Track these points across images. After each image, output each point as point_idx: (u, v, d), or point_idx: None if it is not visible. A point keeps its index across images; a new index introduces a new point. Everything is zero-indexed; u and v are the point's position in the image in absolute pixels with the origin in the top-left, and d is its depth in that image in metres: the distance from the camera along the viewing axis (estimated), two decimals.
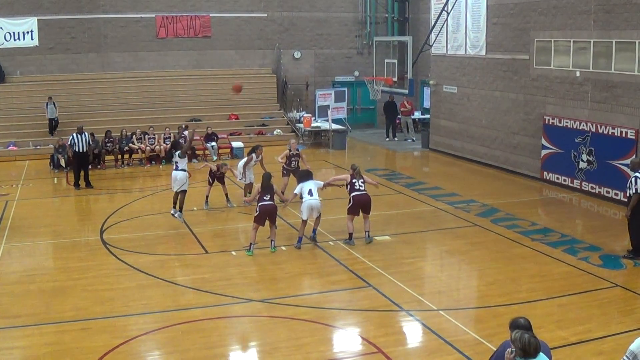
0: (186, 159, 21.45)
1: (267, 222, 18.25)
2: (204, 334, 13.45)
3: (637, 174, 17.40)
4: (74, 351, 12.65)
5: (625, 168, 22.84)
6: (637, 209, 17.51)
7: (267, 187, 18.36)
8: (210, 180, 23.40)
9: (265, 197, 18.20)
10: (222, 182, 23.35)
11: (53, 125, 33.60)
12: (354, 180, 19.15)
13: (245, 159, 23.52)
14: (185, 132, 29.87)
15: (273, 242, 18.57)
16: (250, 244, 18.32)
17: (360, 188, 19.10)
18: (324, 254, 18.42)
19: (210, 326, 13.92)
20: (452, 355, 12.56)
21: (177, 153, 21.10)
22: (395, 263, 17.60)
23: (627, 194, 18.03)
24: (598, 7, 23.92)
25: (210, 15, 38.98)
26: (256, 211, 18.22)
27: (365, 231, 19.24)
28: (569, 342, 12.92)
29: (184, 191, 21.02)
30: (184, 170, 21.02)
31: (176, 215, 21.00)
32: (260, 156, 23.55)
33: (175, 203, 21.15)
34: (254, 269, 17.23)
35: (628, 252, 17.96)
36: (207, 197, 23.31)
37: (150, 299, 15.30)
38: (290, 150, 24.02)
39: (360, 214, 19.17)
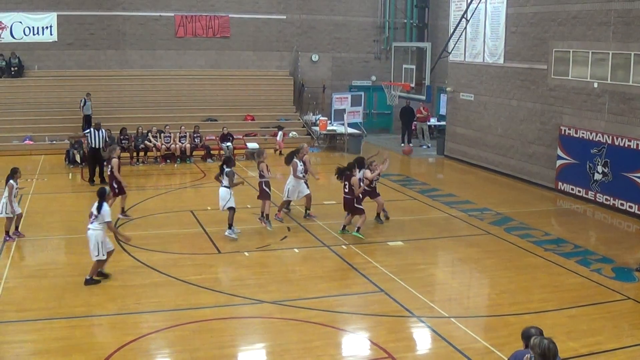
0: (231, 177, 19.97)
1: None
2: (215, 334, 13.47)
3: None
4: (84, 346, 12.68)
5: None
6: None
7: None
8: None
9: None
10: None
11: (89, 122, 33.37)
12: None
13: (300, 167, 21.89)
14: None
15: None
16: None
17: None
18: (337, 257, 18.42)
19: (221, 326, 13.95)
20: None
21: (226, 171, 19.93)
22: (407, 269, 17.58)
23: None
24: (617, 19, 23.86)
25: (230, 15, 39.11)
26: None
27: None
28: (580, 354, 12.88)
29: (230, 208, 19.91)
30: (227, 187, 19.85)
31: (226, 233, 19.89)
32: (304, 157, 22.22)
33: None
34: (266, 270, 17.24)
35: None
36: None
37: (162, 297, 15.32)
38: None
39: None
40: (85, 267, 17.12)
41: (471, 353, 12.83)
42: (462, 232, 21.34)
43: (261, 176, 20.70)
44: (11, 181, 19.36)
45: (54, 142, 33.34)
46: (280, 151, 34.22)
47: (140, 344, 12.93)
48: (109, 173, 22.36)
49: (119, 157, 22.36)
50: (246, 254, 18.38)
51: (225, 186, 19.89)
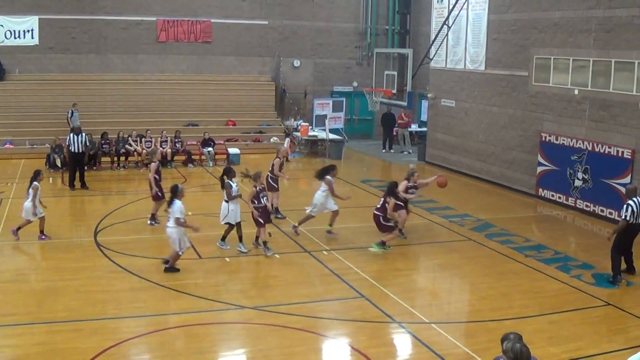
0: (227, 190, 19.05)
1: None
2: (196, 339, 13.44)
3: (629, 202, 17.32)
4: (65, 352, 12.62)
5: (620, 187, 22.90)
6: (622, 237, 17.50)
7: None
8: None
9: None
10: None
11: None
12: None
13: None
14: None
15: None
16: None
17: None
18: (318, 263, 18.43)
19: (202, 331, 13.91)
20: None
21: (225, 183, 19.16)
22: (388, 275, 17.62)
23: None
24: (598, 27, 24.02)
25: (212, 20, 39.07)
26: None
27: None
28: (560, 359, 12.93)
29: (228, 223, 19.12)
30: (225, 201, 18.96)
31: (218, 243, 19.35)
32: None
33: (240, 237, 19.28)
34: (247, 276, 17.23)
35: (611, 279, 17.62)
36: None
37: (143, 302, 15.28)
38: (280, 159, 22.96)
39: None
40: (64, 271, 17.13)
41: (452, 359, 12.86)
42: (443, 238, 21.41)
43: (254, 202, 18.72)
44: (35, 183, 19.77)
45: (35, 146, 33.16)
46: (287, 158, 34.25)
47: (121, 349, 12.88)
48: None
49: (158, 161, 22.28)
50: (227, 259, 18.34)
51: (225, 200, 19.00)
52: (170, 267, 17.11)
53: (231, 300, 15.56)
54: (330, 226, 21.04)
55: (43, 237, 19.97)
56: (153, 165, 21.89)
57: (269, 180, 22.30)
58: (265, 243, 18.89)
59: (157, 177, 21.63)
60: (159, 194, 21.58)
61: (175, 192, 17.14)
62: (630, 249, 17.85)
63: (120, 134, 31.80)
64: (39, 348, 12.76)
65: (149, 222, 21.75)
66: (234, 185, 18.92)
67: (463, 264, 18.69)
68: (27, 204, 19.74)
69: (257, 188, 18.86)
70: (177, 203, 16.84)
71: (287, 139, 35.29)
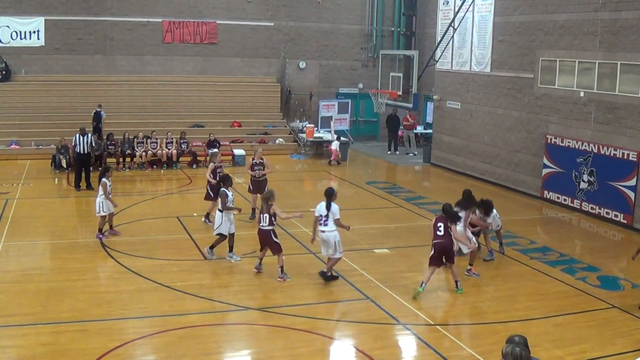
0: (224, 199, 18.25)
1: None
2: (200, 340, 13.44)
3: None
4: (70, 352, 12.64)
5: (626, 190, 22.88)
6: None
7: None
8: None
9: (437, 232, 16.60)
10: None
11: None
12: None
13: None
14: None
15: (458, 282, 16.90)
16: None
17: None
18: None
19: (207, 333, 13.92)
20: None
21: (220, 192, 18.47)
22: (393, 276, 17.60)
23: None
24: (604, 29, 23.98)
25: (217, 22, 39.10)
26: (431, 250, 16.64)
27: None
28: None
29: (220, 234, 18.45)
30: (219, 210, 18.28)
31: (227, 257, 18.59)
32: None
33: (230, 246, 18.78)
34: (251, 277, 17.19)
35: None
36: None
37: (148, 303, 15.29)
38: (253, 159, 22.73)
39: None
40: (70, 272, 17.13)
41: None
42: None
43: (271, 222, 17.00)
44: (104, 179, 20.04)
45: (40, 146, 33.21)
46: (338, 161, 34.63)
47: (126, 350, 12.89)
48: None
49: (215, 163, 22.29)
50: (232, 260, 18.33)
51: (219, 209, 18.32)
52: (331, 275, 17.18)
53: (236, 302, 15.57)
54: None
55: (113, 232, 20.53)
56: (211, 166, 22.10)
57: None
58: (282, 269, 17.32)
59: (211, 177, 21.66)
60: (210, 194, 21.62)
61: (331, 195, 17.00)
62: None
63: (126, 135, 31.82)
64: (44, 348, 12.77)
65: (203, 219, 22.11)
66: (230, 194, 18.42)
67: (467, 266, 18.64)
68: (98, 199, 20.10)
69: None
70: (335, 205, 16.91)
71: (337, 142, 35.50)
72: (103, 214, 20.14)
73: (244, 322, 14.76)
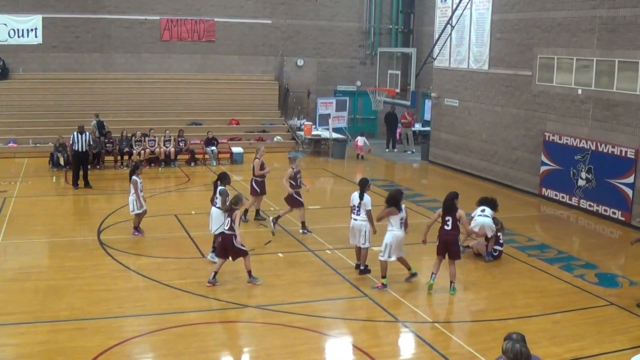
0: (224, 198, 17.74)
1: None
2: (199, 338, 13.44)
3: None
4: (68, 350, 12.63)
5: (623, 187, 22.89)
6: None
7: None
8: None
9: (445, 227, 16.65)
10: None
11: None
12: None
13: None
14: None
15: (453, 283, 16.61)
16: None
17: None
18: (321, 262, 18.43)
19: (205, 330, 13.91)
20: None
21: (220, 189, 18.11)
22: (391, 274, 17.52)
23: None
24: (602, 26, 23.99)
25: (215, 19, 39.07)
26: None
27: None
28: (563, 359, 12.93)
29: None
30: (218, 208, 17.89)
31: (208, 257, 18.39)
32: None
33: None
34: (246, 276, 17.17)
35: None
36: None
37: (146, 301, 15.29)
38: (259, 159, 22.09)
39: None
40: (68, 270, 17.11)
41: (455, 358, 12.87)
42: None
43: (232, 227, 16.30)
44: (134, 177, 20.03)
45: (38, 145, 33.19)
46: (362, 155, 35.23)
47: (124, 348, 12.89)
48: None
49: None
50: (230, 258, 18.28)
51: (218, 207, 17.86)
52: (365, 269, 17.46)
53: (234, 299, 15.56)
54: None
55: (136, 233, 20.46)
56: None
57: (253, 183, 22.03)
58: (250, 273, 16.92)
59: (292, 182, 20.93)
60: (295, 196, 21.00)
61: (365, 185, 17.50)
62: None
63: (124, 133, 31.80)
64: (41, 347, 12.77)
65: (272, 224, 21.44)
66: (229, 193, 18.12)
67: (466, 264, 18.62)
68: (130, 198, 20.18)
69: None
70: (367, 196, 17.24)
71: (362, 138, 36.35)
72: (138, 211, 20.21)
73: (242, 319, 14.77)
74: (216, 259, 17.30)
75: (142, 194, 20.30)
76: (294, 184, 20.83)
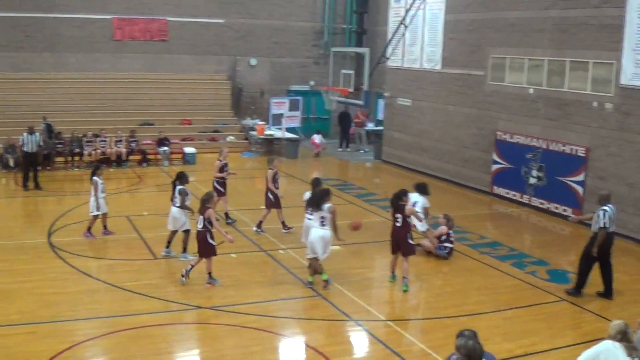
0: (183, 197, 18.08)
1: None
2: (151, 340, 13.33)
3: (604, 207, 16.16)
4: (18, 355, 12.44)
5: (574, 185, 23.16)
6: (591, 249, 16.34)
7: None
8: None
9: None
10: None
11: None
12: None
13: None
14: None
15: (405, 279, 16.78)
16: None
17: None
18: (275, 262, 18.39)
19: (158, 332, 13.80)
20: None
21: (179, 189, 18.18)
22: (344, 273, 17.61)
23: (593, 230, 16.43)
24: (554, 27, 24.27)
25: (168, 19, 38.78)
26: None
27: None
28: (515, 355, 13.06)
29: (187, 230, 18.35)
30: (178, 207, 18.12)
31: (180, 258, 18.28)
32: None
33: (169, 242, 18.66)
34: (203, 276, 17.04)
35: (571, 289, 16.86)
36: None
37: (98, 304, 15.12)
38: (222, 160, 21.88)
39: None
40: (17, 273, 16.86)
41: (408, 356, 12.91)
42: None
43: (205, 226, 16.47)
44: (95, 178, 19.83)
45: None
46: (319, 153, 35.62)
47: (75, 352, 12.73)
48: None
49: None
50: (182, 259, 18.19)
51: (177, 206, 18.09)
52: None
53: (187, 301, 15.46)
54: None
55: (107, 232, 20.36)
56: (269, 173, 21.06)
57: (215, 184, 21.70)
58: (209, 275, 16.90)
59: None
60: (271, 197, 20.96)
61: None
62: (609, 263, 16.56)
63: (75, 134, 31.46)
64: None
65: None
66: (188, 193, 18.39)
67: (418, 262, 18.70)
68: (91, 199, 19.94)
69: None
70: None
71: (319, 135, 36.89)
72: (97, 213, 19.99)
73: (195, 321, 14.69)
74: (190, 257, 17.82)
75: (103, 195, 20.09)
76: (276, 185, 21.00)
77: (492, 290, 16.86)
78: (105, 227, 20.43)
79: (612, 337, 9.09)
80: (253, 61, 40.58)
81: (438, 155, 30.73)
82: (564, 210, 23.90)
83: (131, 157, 32.29)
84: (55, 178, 29.05)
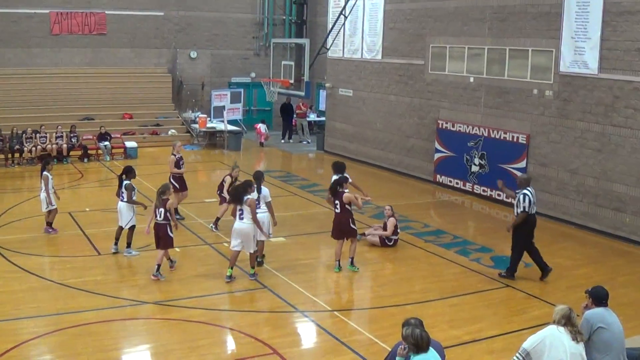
0: (130, 192, 17.90)
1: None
2: (97, 337, 13.19)
3: (524, 191, 16.64)
4: None
5: (516, 172, 23.41)
6: (522, 230, 16.75)
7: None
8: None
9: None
10: None
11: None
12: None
13: None
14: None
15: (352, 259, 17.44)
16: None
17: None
18: (219, 255, 18.32)
19: (103, 329, 13.67)
20: (347, 356, 12.67)
21: (125, 184, 17.96)
22: (290, 264, 17.63)
23: (515, 212, 16.93)
24: (493, 15, 24.49)
25: (106, 12, 38.28)
26: None
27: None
28: (462, 341, 13.19)
29: (132, 227, 18.09)
30: (125, 201, 17.90)
31: (125, 253, 18.13)
32: None
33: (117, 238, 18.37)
34: (147, 271, 16.93)
35: (503, 272, 17.18)
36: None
37: (41, 302, 14.93)
38: (176, 154, 21.72)
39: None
40: None
41: (355, 345, 12.96)
42: None
43: (167, 218, 16.59)
44: (45, 173, 19.49)
45: None
46: (263, 142, 35.89)
47: (21, 351, 12.55)
48: None
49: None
50: (126, 255, 18.03)
51: (125, 201, 17.88)
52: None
53: (132, 297, 15.35)
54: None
55: (50, 230, 19.94)
56: (228, 179, 20.60)
57: (171, 179, 21.31)
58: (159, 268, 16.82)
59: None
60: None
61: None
62: (533, 245, 17.02)
63: (14, 130, 30.97)
64: None
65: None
66: (135, 188, 18.26)
67: (363, 252, 18.79)
68: (42, 195, 19.64)
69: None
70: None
71: (263, 125, 36.86)
72: (51, 208, 19.74)
73: (140, 316, 14.55)
74: (132, 253, 17.97)
75: (53, 191, 19.81)
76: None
77: (437, 278, 17.00)
78: (51, 224, 20.08)
79: (557, 322, 9.20)
80: (193, 54, 40.34)
81: (381, 145, 30.86)
82: (507, 198, 24.15)
83: (72, 153, 31.87)
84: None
